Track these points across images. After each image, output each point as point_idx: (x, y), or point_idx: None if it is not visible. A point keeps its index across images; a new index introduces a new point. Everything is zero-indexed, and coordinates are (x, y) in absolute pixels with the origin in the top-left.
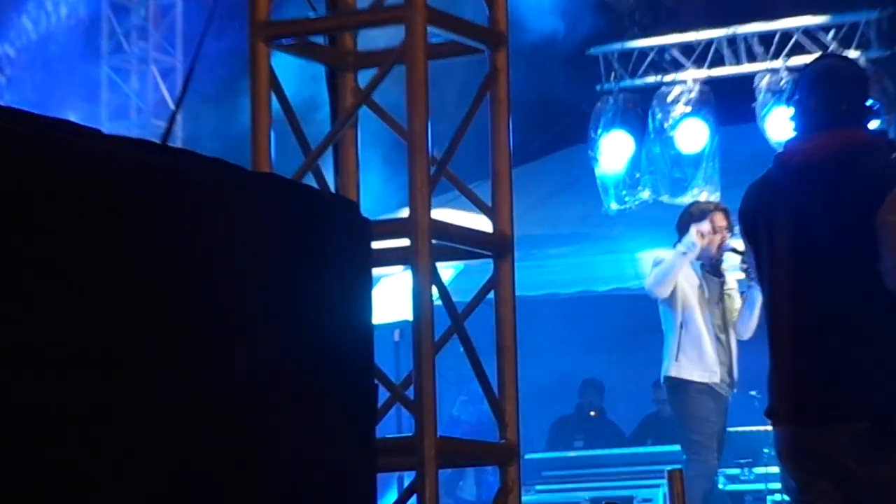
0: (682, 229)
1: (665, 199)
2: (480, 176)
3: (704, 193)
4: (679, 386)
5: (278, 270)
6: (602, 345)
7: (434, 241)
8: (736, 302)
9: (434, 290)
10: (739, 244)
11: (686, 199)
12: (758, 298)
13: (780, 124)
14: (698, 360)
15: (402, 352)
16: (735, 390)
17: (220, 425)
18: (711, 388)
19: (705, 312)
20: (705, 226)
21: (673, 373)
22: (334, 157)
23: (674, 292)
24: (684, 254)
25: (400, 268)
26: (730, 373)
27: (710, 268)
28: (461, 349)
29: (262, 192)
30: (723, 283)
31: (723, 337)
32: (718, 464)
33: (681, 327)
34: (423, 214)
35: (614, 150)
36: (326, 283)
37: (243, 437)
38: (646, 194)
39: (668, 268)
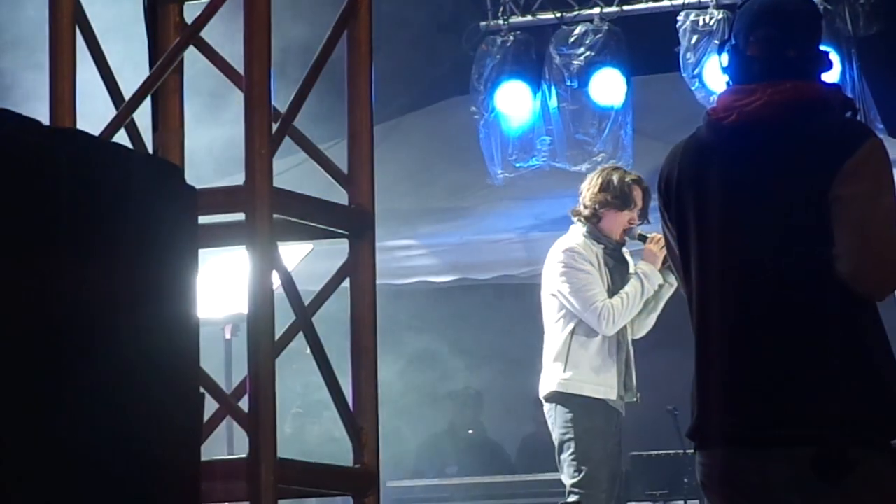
0: (597, 205)
1: (564, 165)
2: (334, 136)
3: (612, 162)
4: (564, 401)
5: (75, 246)
6: (483, 346)
7: (276, 216)
8: None
9: (275, 276)
10: (652, 233)
11: (587, 167)
12: (668, 292)
13: (710, 74)
14: (591, 371)
15: (234, 353)
16: (635, 399)
17: None
18: (605, 404)
19: None
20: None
21: (558, 387)
22: (153, 109)
23: None
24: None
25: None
26: (626, 380)
27: (616, 253)
28: (308, 350)
29: (59, 152)
30: (627, 271)
31: (621, 338)
32: (620, 497)
33: (573, 332)
34: (262, 182)
35: (511, 104)
36: (139, 265)
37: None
38: (540, 159)
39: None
